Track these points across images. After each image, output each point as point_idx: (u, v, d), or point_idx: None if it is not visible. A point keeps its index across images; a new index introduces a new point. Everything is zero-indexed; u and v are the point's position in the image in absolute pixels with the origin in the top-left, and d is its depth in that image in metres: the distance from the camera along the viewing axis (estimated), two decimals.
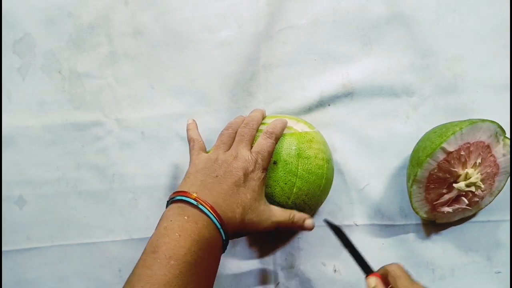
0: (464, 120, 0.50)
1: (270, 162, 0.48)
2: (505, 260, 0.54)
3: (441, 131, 0.50)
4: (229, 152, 0.48)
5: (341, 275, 0.56)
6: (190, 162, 0.50)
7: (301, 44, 0.58)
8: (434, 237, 0.55)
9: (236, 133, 0.50)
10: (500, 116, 0.53)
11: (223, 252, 0.45)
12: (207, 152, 0.50)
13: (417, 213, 0.52)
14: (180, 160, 0.59)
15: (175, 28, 0.60)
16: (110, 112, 0.60)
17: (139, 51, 0.60)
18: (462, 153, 0.49)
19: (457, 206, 0.51)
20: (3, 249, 0.60)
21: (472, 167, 0.50)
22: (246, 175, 0.46)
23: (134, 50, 0.60)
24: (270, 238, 0.58)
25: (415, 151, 0.52)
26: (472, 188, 0.50)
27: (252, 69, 0.59)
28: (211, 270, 0.43)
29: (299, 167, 0.49)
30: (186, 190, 0.44)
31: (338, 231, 0.49)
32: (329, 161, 0.52)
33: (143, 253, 0.41)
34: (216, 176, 0.45)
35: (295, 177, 0.49)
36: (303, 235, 0.58)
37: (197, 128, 0.54)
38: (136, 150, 0.60)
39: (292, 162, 0.49)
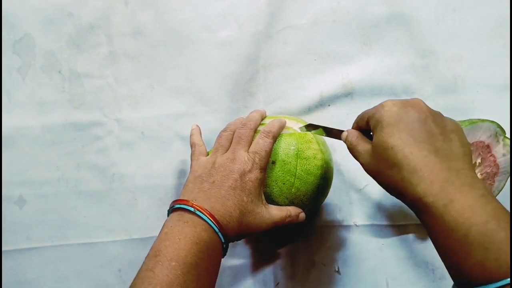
0: (464, 120, 0.50)
1: (268, 161, 0.48)
2: None
3: None
4: (226, 154, 0.48)
5: (341, 275, 0.56)
6: (190, 168, 0.50)
7: (301, 44, 0.58)
8: None
9: (234, 134, 0.50)
10: (500, 116, 0.53)
11: (224, 255, 0.46)
12: (207, 156, 0.51)
13: None
14: (180, 160, 0.59)
15: (175, 28, 0.60)
16: (110, 112, 0.60)
17: (139, 51, 0.60)
18: None
19: None
20: (3, 249, 0.60)
21: None
22: (243, 177, 0.46)
23: (134, 50, 0.60)
24: (270, 238, 0.58)
25: None
26: None
27: (252, 69, 0.59)
28: (212, 271, 0.44)
29: (297, 168, 0.49)
30: (184, 199, 0.45)
31: (312, 127, 0.50)
32: (328, 161, 0.52)
33: (145, 258, 0.42)
34: (213, 181, 0.46)
35: (293, 177, 0.49)
36: (303, 235, 0.58)
37: (200, 133, 0.54)
38: (136, 150, 0.60)
39: (290, 162, 0.49)
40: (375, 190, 0.56)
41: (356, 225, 0.57)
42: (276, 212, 0.48)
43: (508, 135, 0.51)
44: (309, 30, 0.58)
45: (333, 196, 0.57)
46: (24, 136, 0.60)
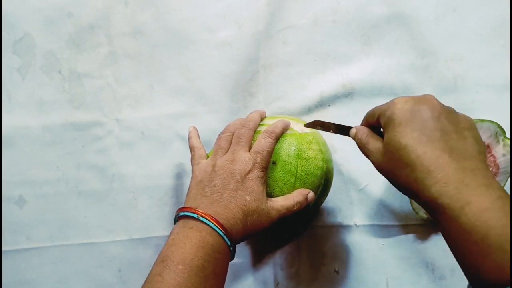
0: None
1: (269, 161, 0.48)
2: None
3: None
4: (225, 156, 0.48)
5: (341, 275, 0.56)
6: (191, 173, 0.50)
7: (301, 44, 0.58)
8: (434, 237, 0.55)
9: (233, 135, 0.50)
10: (500, 116, 0.53)
11: (232, 258, 0.46)
12: (207, 158, 0.50)
13: (417, 213, 0.52)
14: (180, 160, 0.59)
15: (175, 28, 0.60)
16: (110, 112, 0.60)
17: (139, 51, 0.60)
18: None
19: None
20: (3, 249, 0.60)
21: None
22: (244, 177, 0.46)
23: (134, 50, 0.60)
24: (270, 238, 0.58)
25: None
26: None
27: (252, 69, 0.59)
28: (219, 274, 0.44)
29: (298, 168, 0.49)
30: (188, 206, 0.46)
31: (317, 124, 0.49)
32: (328, 162, 0.52)
33: (153, 265, 0.43)
34: (215, 186, 0.46)
35: (294, 177, 0.49)
36: (303, 235, 0.58)
37: (198, 135, 0.54)
38: (136, 150, 0.60)
39: (291, 163, 0.49)
40: (375, 190, 0.56)
41: (356, 225, 0.57)
42: (281, 204, 0.47)
43: (508, 135, 0.51)
44: (309, 30, 0.58)
45: (333, 196, 0.57)
46: (24, 136, 0.60)
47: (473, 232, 0.33)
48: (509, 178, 0.52)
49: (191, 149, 0.52)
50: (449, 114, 0.38)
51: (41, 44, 0.61)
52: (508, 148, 0.50)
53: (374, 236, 0.56)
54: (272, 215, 0.47)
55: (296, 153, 0.49)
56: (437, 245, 0.55)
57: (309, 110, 0.58)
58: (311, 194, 0.49)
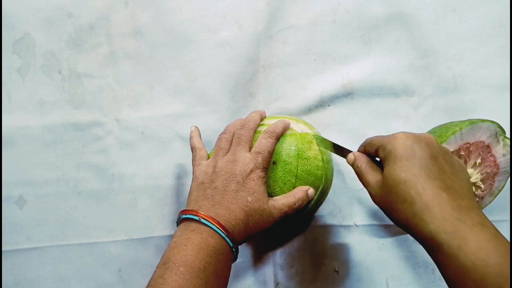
0: (464, 120, 0.50)
1: (270, 161, 0.48)
2: None
3: (441, 131, 0.50)
4: (226, 157, 0.48)
5: (341, 275, 0.56)
6: (192, 174, 0.50)
7: (301, 44, 0.58)
8: None
9: (233, 136, 0.50)
10: (500, 116, 0.53)
11: (235, 259, 0.46)
12: (208, 159, 0.50)
13: None
14: (180, 160, 0.59)
15: (174, 28, 0.60)
16: (110, 112, 0.60)
17: (139, 51, 0.60)
18: (462, 153, 0.49)
19: None
20: (3, 249, 0.60)
21: (472, 167, 0.50)
22: (245, 178, 0.46)
23: (134, 50, 0.60)
24: (270, 238, 0.58)
25: None
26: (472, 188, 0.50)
27: (252, 69, 0.59)
28: (221, 275, 0.44)
29: (298, 168, 0.49)
30: (190, 208, 0.46)
31: (321, 140, 0.50)
32: (328, 162, 0.52)
33: (156, 267, 0.43)
34: (216, 187, 0.46)
35: (294, 177, 0.49)
36: (303, 235, 0.58)
37: (200, 135, 0.54)
38: (136, 150, 0.60)
39: (291, 163, 0.49)
40: None
41: (356, 225, 0.57)
42: (283, 202, 0.48)
43: (508, 135, 0.51)
44: (309, 30, 0.58)
45: (333, 196, 0.57)
46: (24, 136, 0.60)
47: (471, 271, 0.34)
48: (509, 178, 0.52)
49: (193, 149, 0.52)
50: (446, 155, 0.40)
51: (41, 44, 0.61)
52: (508, 148, 0.50)
53: (374, 236, 0.56)
54: (274, 214, 0.47)
55: (296, 153, 0.49)
56: None
57: (309, 110, 0.58)
58: (311, 190, 0.49)
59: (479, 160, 0.49)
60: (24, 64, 0.61)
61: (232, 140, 0.49)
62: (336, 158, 0.57)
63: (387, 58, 0.57)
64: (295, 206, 0.48)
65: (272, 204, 0.47)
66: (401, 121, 0.57)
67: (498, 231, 0.36)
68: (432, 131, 0.52)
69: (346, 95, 0.58)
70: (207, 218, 0.44)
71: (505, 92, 0.55)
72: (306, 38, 0.58)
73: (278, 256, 0.58)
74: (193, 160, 0.51)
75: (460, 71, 0.56)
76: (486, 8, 0.55)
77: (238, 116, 0.59)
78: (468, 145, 0.49)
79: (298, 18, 0.58)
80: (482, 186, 0.50)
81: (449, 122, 0.52)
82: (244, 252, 0.58)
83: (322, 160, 0.51)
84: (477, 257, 0.34)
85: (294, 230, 0.58)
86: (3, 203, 0.60)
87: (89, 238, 0.60)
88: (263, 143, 0.48)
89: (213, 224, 0.43)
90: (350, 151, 0.46)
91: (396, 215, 0.39)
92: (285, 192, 0.49)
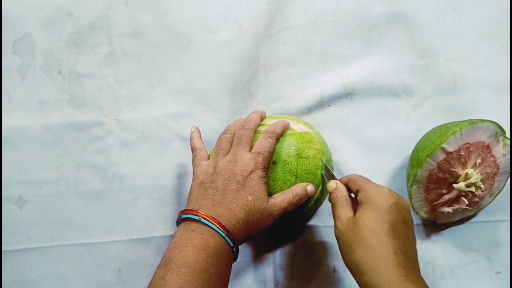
0: (464, 120, 0.50)
1: (271, 161, 0.48)
2: (505, 260, 0.54)
3: (441, 131, 0.50)
4: (227, 157, 0.48)
5: (340, 275, 0.56)
6: (193, 174, 0.50)
7: (301, 44, 0.58)
8: (434, 237, 0.55)
9: (234, 136, 0.50)
10: (500, 116, 0.53)
11: (235, 259, 0.46)
12: (208, 160, 0.50)
13: (417, 213, 0.52)
14: (180, 160, 0.59)
15: (174, 28, 0.60)
16: (110, 112, 0.60)
17: (139, 51, 0.60)
18: (462, 153, 0.49)
19: (457, 206, 0.51)
20: (3, 249, 0.60)
21: (472, 167, 0.50)
22: (246, 178, 0.46)
23: (134, 50, 0.60)
24: (270, 238, 0.58)
25: (415, 151, 0.52)
26: (472, 189, 0.50)
27: (252, 69, 0.59)
28: (222, 275, 0.44)
29: (298, 167, 0.49)
30: (190, 208, 0.46)
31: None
32: (328, 161, 0.52)
33: (157, 268, 0.43)
34: (216, 187, 0.46)
35: (294, 177, 0.49)
36: (303, 235, 0.58)
37: (200, 136, 0.54)
38: (136, 150, 0.60)
39: (291, 162, 0.49)
40: None
41: None
42: (281, 198, 0.48)
43: (508, 135, 0.51)
44: (309, 30, 0.58)
45: None
46: (24, 136, 0.60)
47: None
48: (509, 178, 0.52)
49: (193, 150, 0.52)
50: (411, 224, 0.44)
51: (41, 44, 0.61)
52: (508, 148, 0.50)
53: None
54: (273, 213, 0.47)
55: (296, 152, 0.49)
56: (437, 245, 0.55)
57: (309, 110, 0.58)
58: (310, 187, 0.49)
59: (479, 160, 0.49)
60: (24, 64, 0.61)
61: (232, 140, 0.49)
62: (336, 158, 0.57)
63: (387, 58, 0.57)
64: (293, 202, 0.48)
65: (272, 202, 0.47)
66: (401, 121, 0.57)
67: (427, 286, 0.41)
68: (432, 131, 0.52)
69: (346, 95, 0.58)
70: (207, 218, 0.44)
71: (505, 92, 0.55)
72: (306, 38, 0.58)
73: (278, 256, 0.58)
74: (194, 160, 0.51)
75: (460, 71, 0.56)
76: (486, 8, 0.55)
77: (238, 116, 0.59)
78: (468, 145, 0.49)
79: (298, 18, 0.58)
80: (482, 186, 0.50)
81: (449, 122, 0.52)
82: (244, 252, 0.58)
83: (322, 159, 0.51)
84: None
85: (294, 230, 0.58)
86: (3, 203, 0.60)
87: (89, 238, 0.60)
88: (263, 143, 0.48)
89: (213, 224, 0.43)
90: (335, 178, 0.48)
91: (352, 255, 0.41)
92: None
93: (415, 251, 0.43)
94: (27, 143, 0.60)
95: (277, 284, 0.57)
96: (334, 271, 0.57)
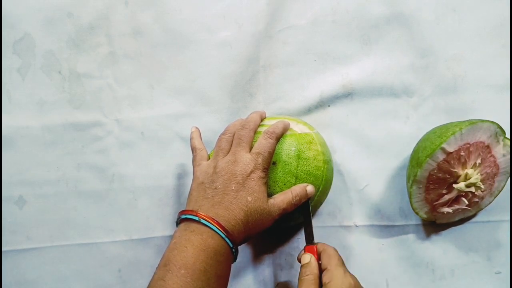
0: (464, 121, 0.50)
1: (271, 162, 0.48)
2: (505, 260, 0.54)
3: (441, 131, 0.50)
4: (227, 157, 0.48)
5: None
6: (193, 174, 0.50)
7: (301, 44, 0.58)
8: (434, 237, 0.55)
9: (233, 136, 0.50)
10: (500, 116, 0.53)
11: (235, 260, 0.46)
12: (208, 160, 0.50)
13: (417, 213, 0.52)
14: (180, 160, 0.59)
15: (174, 28, 0.60)
16: (110, 112, 0.60)
17: (139, 51, 0.60)
18: (462, 153, 0.49)
19: (457, 206, 0.51)
20: (3, 249, 0.60)
21: (472, 168, 0.50)
22: (245, 178, 0.46)
23: (134, 50, 0.60)
24: (270, 238, 0.58)
25: (415, 151, 0.52)
26: (472, 189, 0.50)
27: (252, 69, 0.59)
28: (222, 276, 0.44)
29: (298, 168, 0.49)
30: (189, 209, 0.46)
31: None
32: (328, 162, 0.52)
33: (156, 268, 0.43)
34: (216, 187, 0.46)
35: (294, 178, 0.49)
36: (303, 235, 0.57)
37: (200, 136, 0.54)
38: (136, 150, 0.60)
39: (291, 163, 0.49)
40: (375, 191, 0.56)
41: (356, 226, 0.57)
42: (281, 199, 0.48)
43: (508, 135, 0.51)
44: (309, 30, 0.58)
45: (332, 197, 0.57)
46: (24, 136, 0.60)
47: None
48: (509, 179, 0.52)
49: (193, 150, 0.52)
50: None
51: (41, 44, 0.61)
52: (508, 148, 0.50)
53: (374, 236, 0.56)
54: (273, 213, 0.47)
55: (296, 153, 0.49)
56: (437, 245, 0.55)
57: (309, 110, 0.58)
58: (310, 187, 0.49)
59: (479, 161, 0.49)
60: (24, 64, 0.61)
61: (232, 140, 0.49)
62: (336, 158, 0.57)
63: (387, 58, 0.57)
64: (293, 202, 0.48)
65: (272, 203, 0.47)
66: (401, 121, 0.57)
67: None
68: (432, 131, 0.52)
69: (346, 95, 0.58)
70: (207, 219, 0.44)
71: (505, 92, 0.55)
72: (306, 38, 0.58)
73: (278, 256, 0.58)
74: (194, 160, 0.51)
75: (460, 71, 0.56)
76: (486, 8, 0.55)
77: (238, 116, 0.59)
78: (468, 145, 0.49)
79: (298, 18, 0.58)
80: (482, 186, 0.50)
81: (449, 122, 0.52)
82: (244, 252, 0.58)
83: (322, 160, 0.51)
84: None
85: (294, 231, 0.58)
86: (3, 203, 0.60)
87: (89, 238, 0.60)
88: (263, 143, 0.48)
89: (213, 225, 0.43)
90: (313, 245, 0.48)
91: None
92: None
93: None
94: (27, 143, 0.60)
95: (277, 284, 0.57)
96: None
